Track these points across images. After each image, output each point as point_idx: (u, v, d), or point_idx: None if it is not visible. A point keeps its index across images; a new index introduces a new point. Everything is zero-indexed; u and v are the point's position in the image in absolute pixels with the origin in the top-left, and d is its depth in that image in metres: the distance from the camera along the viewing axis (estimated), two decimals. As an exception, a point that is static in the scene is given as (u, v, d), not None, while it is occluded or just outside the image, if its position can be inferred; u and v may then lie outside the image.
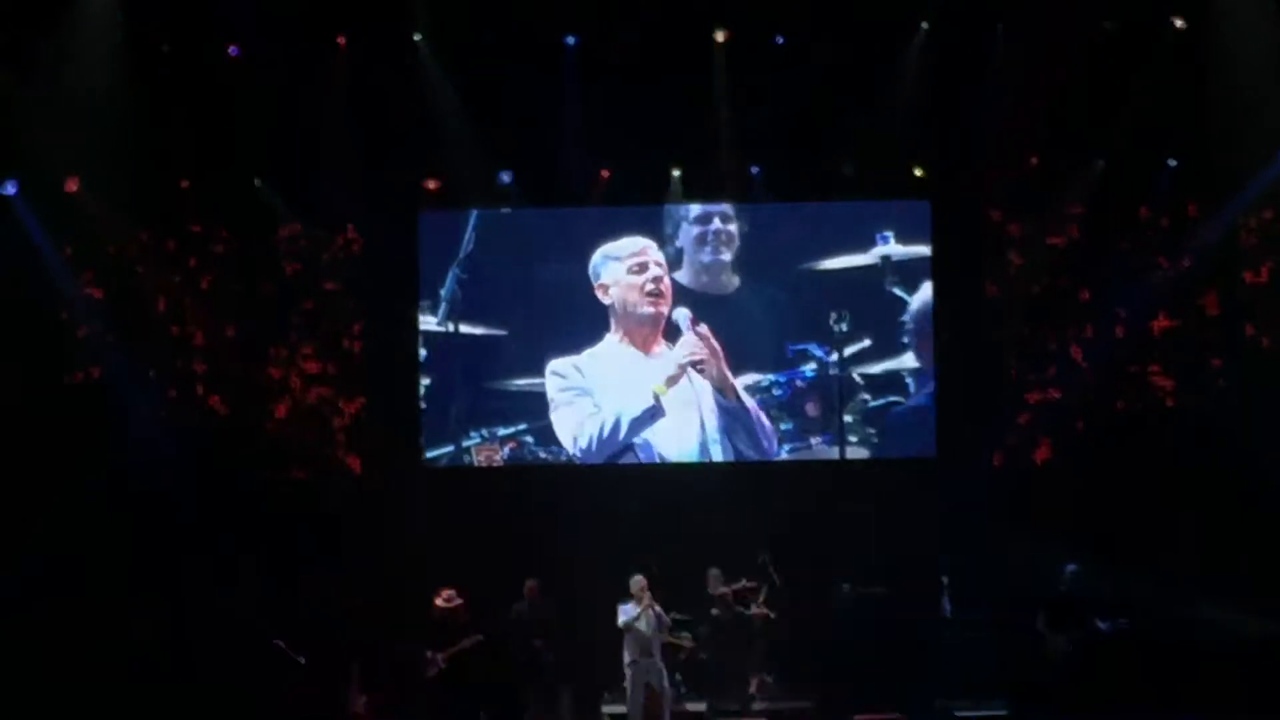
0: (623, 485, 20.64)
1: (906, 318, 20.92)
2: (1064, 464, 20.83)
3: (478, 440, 21.03)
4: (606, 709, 19.46)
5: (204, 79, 20.16)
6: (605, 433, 20.62)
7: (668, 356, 20.55)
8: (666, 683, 18.37)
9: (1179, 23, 20.22)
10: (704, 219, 20.98)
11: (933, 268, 20.87)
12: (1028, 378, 21.08)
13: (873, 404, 20.91)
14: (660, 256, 20.84)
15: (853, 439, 20.81)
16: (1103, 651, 18.85)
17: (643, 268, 20.81)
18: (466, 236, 20.99)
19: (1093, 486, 20.47)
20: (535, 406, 20.92)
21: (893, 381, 20.92)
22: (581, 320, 20.88)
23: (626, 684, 18.47)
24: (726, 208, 20.96)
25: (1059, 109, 20.46)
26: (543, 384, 20.84)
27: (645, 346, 20.77)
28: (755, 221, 21.06)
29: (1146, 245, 20.99)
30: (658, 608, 18.22)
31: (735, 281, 21.03)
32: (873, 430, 20.91)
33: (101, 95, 19.81)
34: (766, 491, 20.42)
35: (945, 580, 19.87)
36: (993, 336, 21.05)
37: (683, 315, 20.47)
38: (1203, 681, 19.16)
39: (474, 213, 21.05)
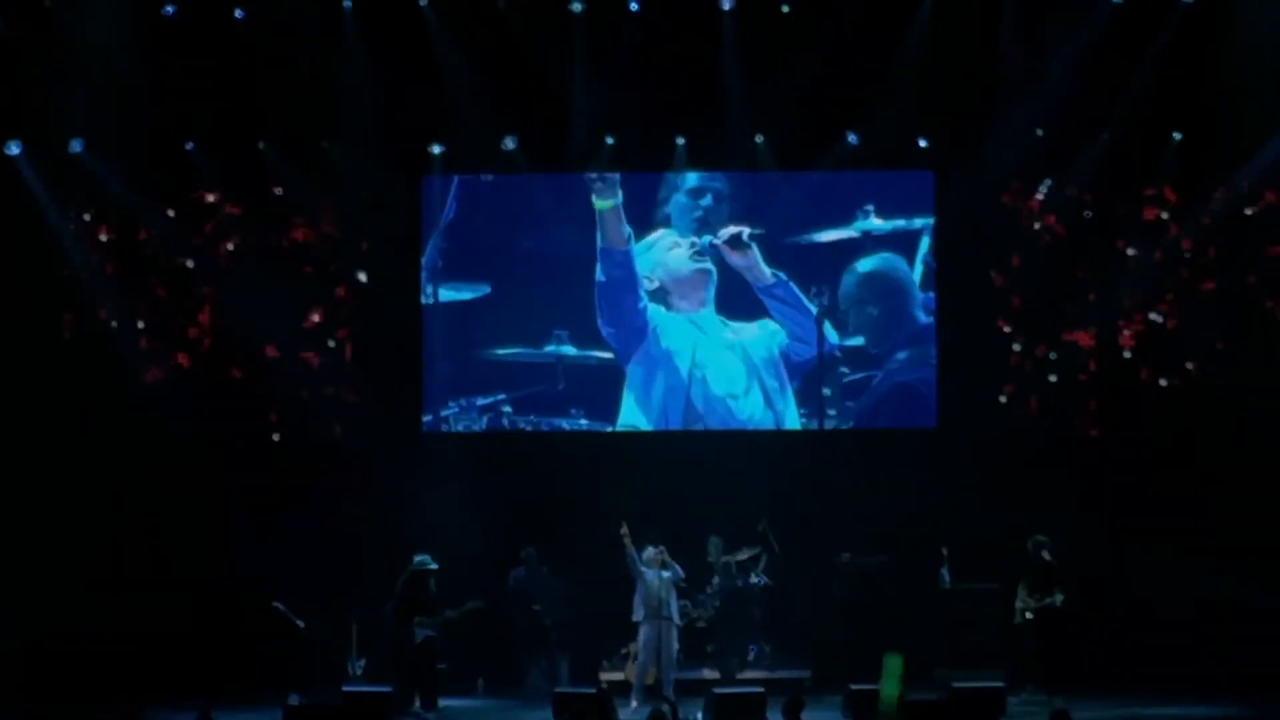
0: (620, 453, 20.64)
1: (896, 291, 20.92)
2: (1065, 436, 20.77)
3: (455, 410, 21.01)
4: (604, 675, 19.48)
5: (209, 41, 20.10)
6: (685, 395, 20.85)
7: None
8: (676, 645, 18.30)
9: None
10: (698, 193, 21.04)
11: (935, 237, 20.83)
12: (1030, 349, 20.99)
13: (861, 376, 20.89)
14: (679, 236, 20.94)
15: (848, 409, 20.82)
16: (1063, 624, 18.92)
17: (676, 244, 20.88)
18: (448, 203, 20.95)
19: (1094, 459, 20.47)
20: (514, 377, 20.87)
21: (885, 353, 20.92)
22: (565, 290, 20.84)
23: (635, 644, 18.47)
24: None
25: (1067, 81, 20.32)
26: (521, 354, 20.82)
27: (699, 306, 20.88)
28: (757, 190, 21.01)
29: (1154, 219, 20.87)
30: (672, 564, 18.17)
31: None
32: (869, 401, 20.92)
33: (107, 57, 19.82)
34: (765, 460, 20.39)
35: (945, 551, 19.84)
36: (995, 307, 20.95)
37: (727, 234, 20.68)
38: (1193, 655, 19.24)
39: (455, 179, 20.98)
